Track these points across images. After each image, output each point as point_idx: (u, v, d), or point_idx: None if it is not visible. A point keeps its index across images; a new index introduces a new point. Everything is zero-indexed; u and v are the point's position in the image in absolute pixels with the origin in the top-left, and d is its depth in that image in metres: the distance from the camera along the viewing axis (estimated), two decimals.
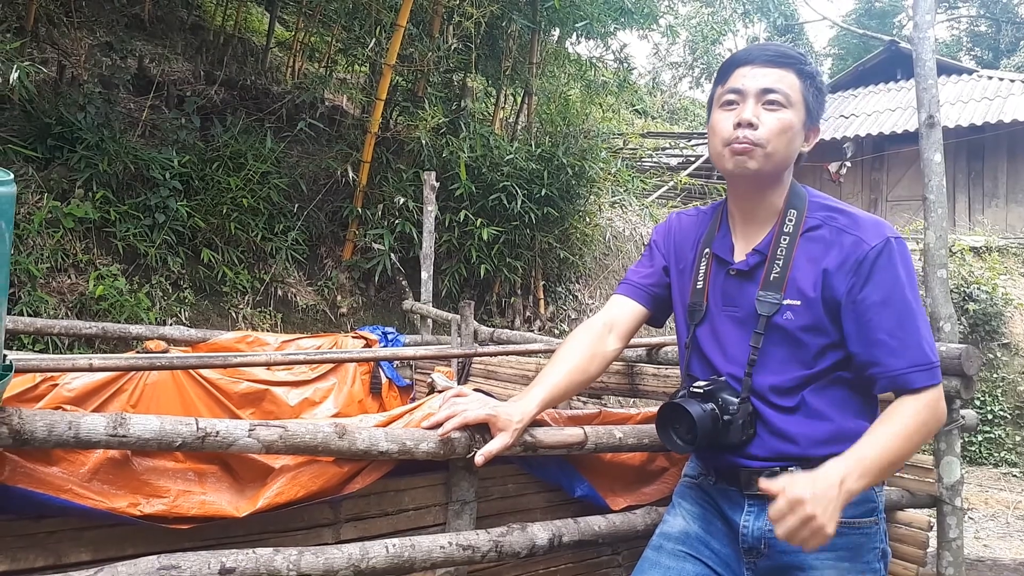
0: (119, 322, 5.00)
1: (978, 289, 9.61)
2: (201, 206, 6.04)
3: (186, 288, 5.84)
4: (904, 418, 1.52)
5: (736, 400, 1.63)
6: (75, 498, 1.37)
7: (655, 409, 2.14)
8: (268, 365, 3.72)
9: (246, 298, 6.20)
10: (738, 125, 1.62)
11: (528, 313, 7.82)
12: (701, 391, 1.65)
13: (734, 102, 1.65)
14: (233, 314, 6.06)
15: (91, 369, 2.65)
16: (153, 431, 1.36)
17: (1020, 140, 13.90)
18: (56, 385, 3.17)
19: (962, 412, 2.26)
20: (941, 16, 26.93)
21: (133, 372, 3.40)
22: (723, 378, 1.68)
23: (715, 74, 1.75)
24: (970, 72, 16.46)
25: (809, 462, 1.59)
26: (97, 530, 1.44)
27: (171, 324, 5.29)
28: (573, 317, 8.22)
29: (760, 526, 1.64)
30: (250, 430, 1.45)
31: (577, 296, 8.55)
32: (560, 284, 8.39)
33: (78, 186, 5.49)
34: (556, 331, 7.78)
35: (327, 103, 8.11)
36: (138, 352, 3.80)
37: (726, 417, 1.61)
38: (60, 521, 1.40)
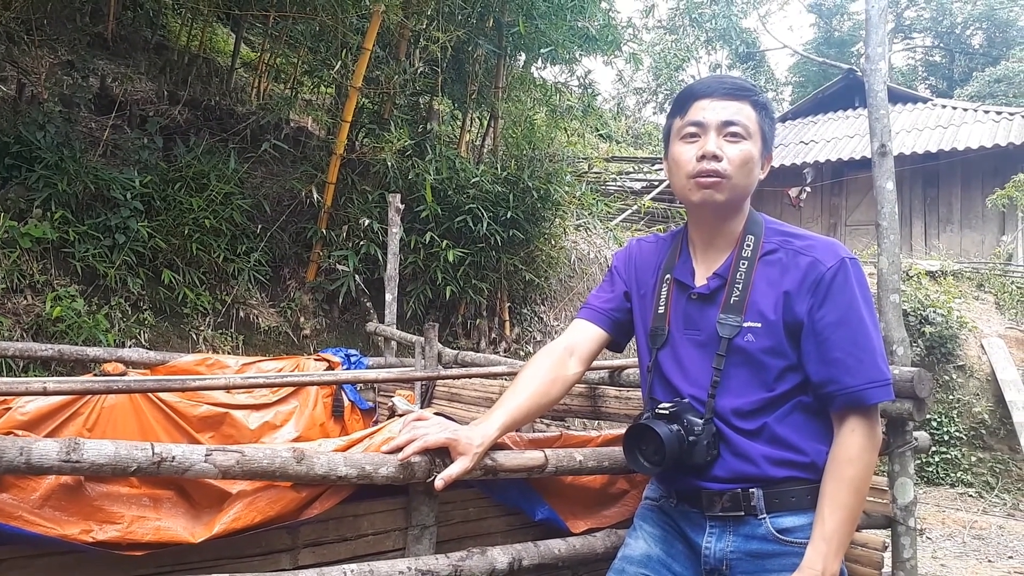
0: (77, 344, 4.90)
1: (934, 312, 9.80)
2: (162, 227, 5.97)
3: (146, 310, 5.75)
4: (852, 468, 1.58)
5: (701, 421, 1.65)
6: (25, 525, 1.34)
7: (616, 432, 2.17)
8: (228, 388, 3.68)
9: (207, 320, 6.12)
10: (702, 157, 1.66)
11: (494, 335, 7.82)
12: (667, 412, 1.67)
13: (696, 135, 1.69)
14: (194, 336, 5.98)
15: (45, 392, 2.61)
16: (107, 456, 1.34)
17: (973, 168, 14.28)
18: (9, 409, 3.12)
19: (915, 434, 2.31)
20: (898, 45, 27.70)
21: (89, 395, 3.35)
22: (686, 400, 1.70)
23: (670, 106, 1.79)
24: (925, 101, 16.94)
25: (769, 483, 1.63)
26: (48, 558, 1.41)
27: (130, 346, 5.20)
28: (538, 339, 8.23)
29: (722, 547, 1.66)
30: (207, 455, 1.44)
31: (542, 318, 8.57)
32: (525, 306, 8.41)
33: (36, 206, 5.39)
34: (521, 353, 7.79)
35: (292, 124, 8.09)
36: (95, 375, 3.74)
37: (691, 438, 1.63)
38: (9, 549, 1.37)
